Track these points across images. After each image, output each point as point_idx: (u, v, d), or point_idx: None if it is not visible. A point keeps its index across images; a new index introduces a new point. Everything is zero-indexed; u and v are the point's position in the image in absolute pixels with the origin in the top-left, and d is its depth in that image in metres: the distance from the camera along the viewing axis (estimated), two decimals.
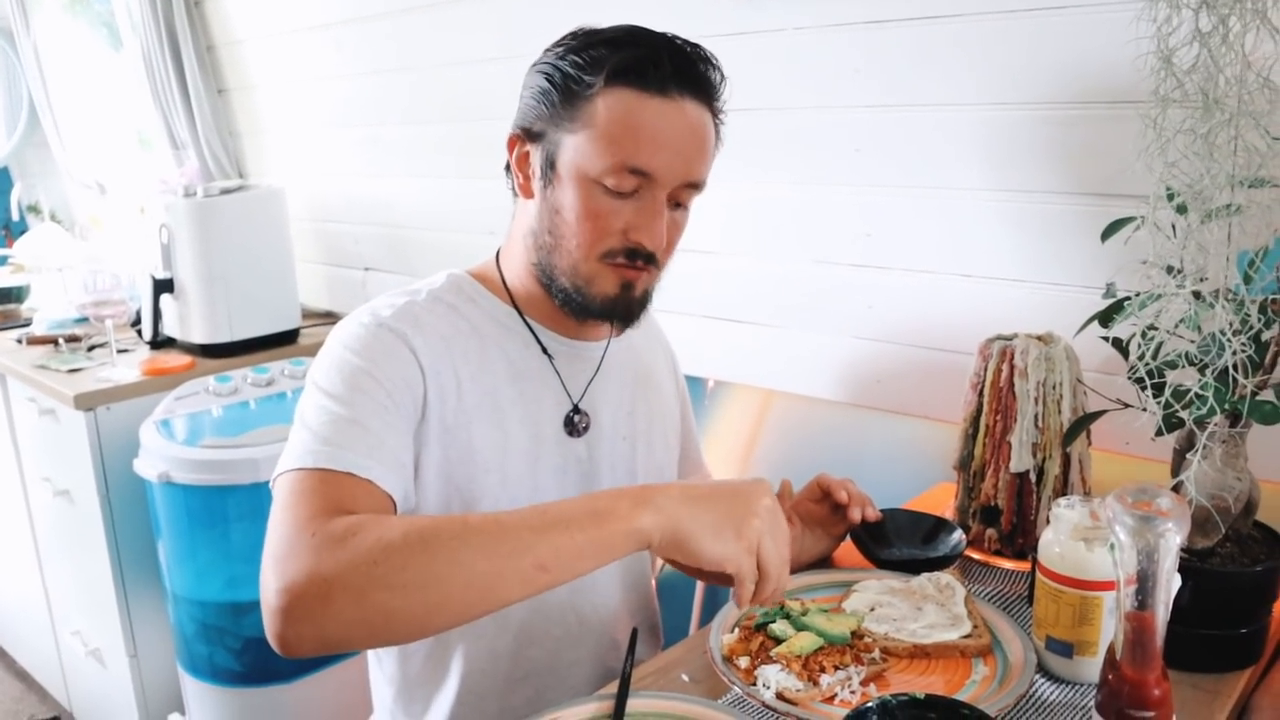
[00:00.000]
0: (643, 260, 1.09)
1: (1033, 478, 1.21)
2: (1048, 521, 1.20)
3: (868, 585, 1.15)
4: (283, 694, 1.84)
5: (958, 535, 1.25)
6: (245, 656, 1.85)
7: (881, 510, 1.28)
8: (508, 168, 1.16)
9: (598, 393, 1.23)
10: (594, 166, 1.04)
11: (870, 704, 0.87)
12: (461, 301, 1.17)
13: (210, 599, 1.88)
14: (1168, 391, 0.90)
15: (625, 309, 1.13)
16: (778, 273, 1.73)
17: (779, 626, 1.00)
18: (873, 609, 1.11)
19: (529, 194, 1.13)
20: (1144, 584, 0.84)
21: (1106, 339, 1.11)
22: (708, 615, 1.88)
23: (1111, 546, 0.88)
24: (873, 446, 1.70)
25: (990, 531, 1.26)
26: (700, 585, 1.83)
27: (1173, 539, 0.82)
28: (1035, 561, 1.10)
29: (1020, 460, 1.21)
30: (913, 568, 1.20)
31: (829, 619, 1.02)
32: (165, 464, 1.81)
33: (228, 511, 1.83)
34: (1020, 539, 1.24)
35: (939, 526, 1.29)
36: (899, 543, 1.29)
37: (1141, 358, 0.96)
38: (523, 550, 0.84)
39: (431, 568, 0.82)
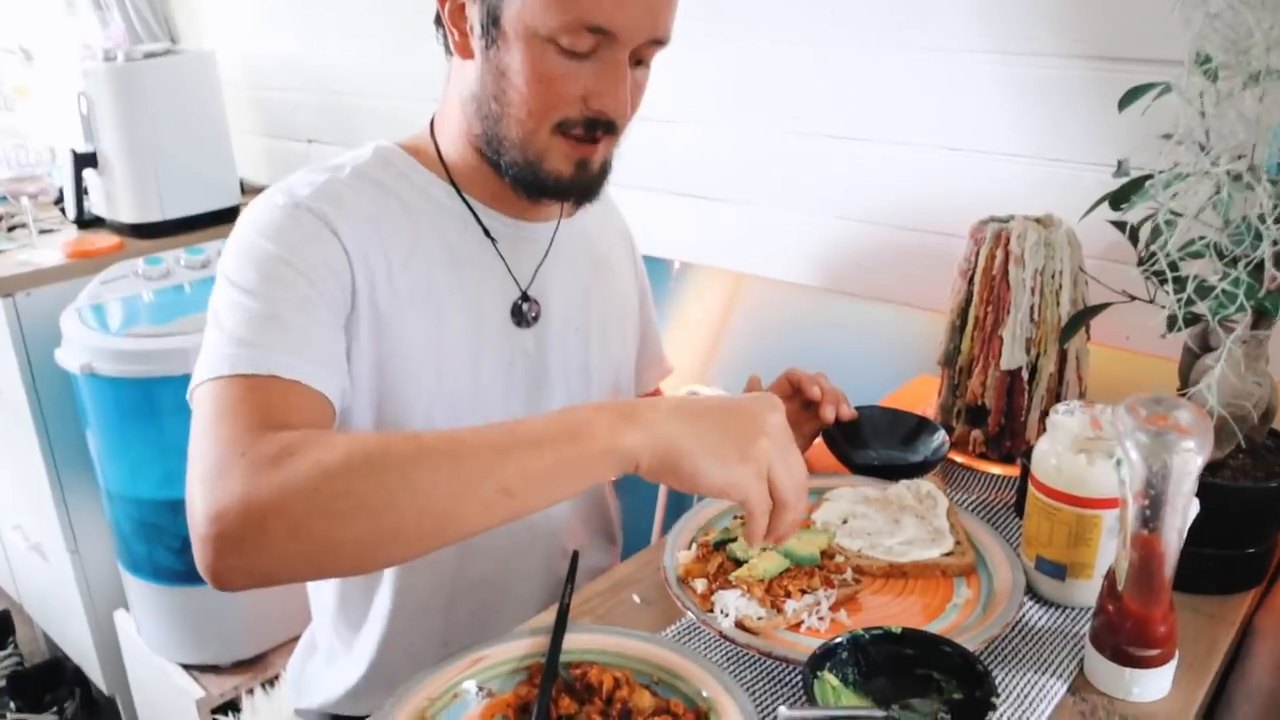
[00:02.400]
0: (602, 130, 0.95)
1: (1025, 376, 1.10)
2: (1039, 424, 1.10)
3: (840, 494, 1.05)
4: (227, 595, 1.75)
5: (940, 437, 1.15)
6: (186, 555, 1.74)
7: (857, 408, 1.17)
8: (438, 20, 1.00)
9: (547, 279, 1.10)
10: (546, 23, 0.88)
11: (840, 639, 0.77)
12: (391, 177, 1.02)
13: (146, 496, 1.77)
14: (1190, 287, 0.78)
15: (583, 187, 1.00)
16: (748, 144, 1.58)
17: (740, 546, 0.90)
18: (845, 521, 1.01)
19: (467, 53, 0.97)
20: (1155, 509, 0.73)
21: (1117, 224, 0.98)
22: (672, 518, 1.79)
23: (1118, 462, 0.78)
24: (849, 336, 1.59)
25: (976, 433, 1.15)
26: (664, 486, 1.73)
27: (1193, 460, 0.71)
28: (1026, 469, 0.99)
29: (1012, 356, 1.09)
30: (890, 473, 1.10)
31: (797, 536, 0.92)
32: (88, 355, 1.67)
33: (160, 404, 1.71)
34: (1008, 442, 1.14)
35: (920, 427, 1.18)
36: (876, 444, 1.19)
37: (1162, 246, 0.83)
38: (485, 473, 0.72)
39: (379, 493, 0.71)
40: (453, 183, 1.04)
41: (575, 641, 0.78)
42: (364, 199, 0.99)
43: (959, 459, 1.17)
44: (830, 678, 0.75)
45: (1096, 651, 0.81)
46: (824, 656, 0.76)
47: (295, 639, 1.22)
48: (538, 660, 0.77)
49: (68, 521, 1.99)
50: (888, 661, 0.78)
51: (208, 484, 0.74)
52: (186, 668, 1.85)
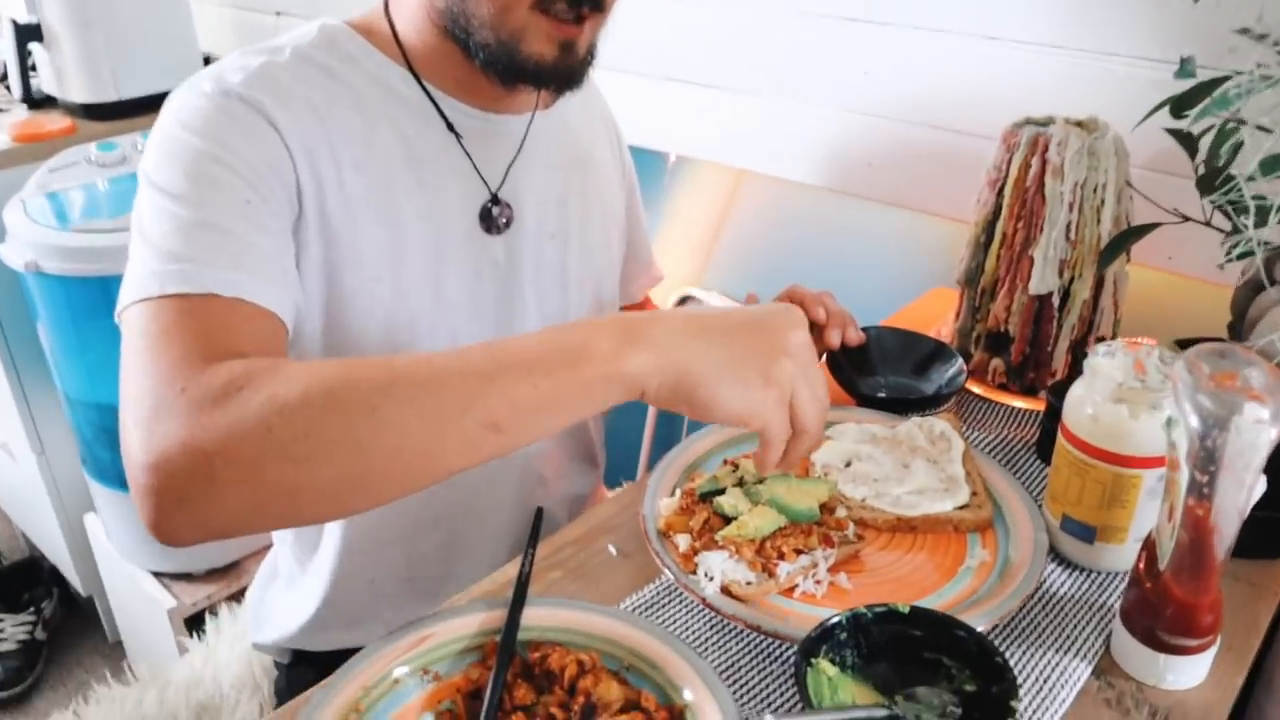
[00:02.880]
0: (588, 6, 0.82)
1: (1055, 302, 0.98)
2: (1067, 355, 0.98)
3: (844, 430, 0.94)
4: None
5: (957, 366, 1.03)
6: None
7: (865, 329, 1.06)
8: None
9: (520, 179, 0.97)
10: None
11: (838, 618, 0.68)
12: (338, 61, 0.88)
13: (106, 401, 1.67)
14: (1275, 216, 0.65)
15: (566, 73, 0.87)
16: (754, 25, 1.42)
17: (729, 500, 0.79)
18: (849, 464, 0.90)
19: None
20: (1213, 483, 0.62)
21: (1176, 134, 0.84)
22: (662, 437, 1.69)
23: (1169, 422, 0.67)
24: (858, 244, 1.46)
25: (996, 362, 1.04)
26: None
27: (1266, 433, 0.60)
28: (1052, 409, 0.89)
29: (1043, 280, 0.97)
30: (901, 406, 0.99)
31: (792, 486, 0.82)
32: (34, 251, 1.54)
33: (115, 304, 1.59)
34: (1032, 373, 1.02)
35: (935, 353, 1.07)
36: (885, 371, 1.08)
37: (1227, 158, 0.70)
38: (467, 404, 0.62)
39: (345, 431, 0.60)
40: (410, 68, 0.90)
41: (536, 617, 0.68)
42: (307, 86, 0.85)
43: (976, 389, 1.06)
44: (826, 665, 0.66)
45: (1127, 631, 0.71)
46: (819, 640, 0.67)
47: (269, 546, 1.14)
48: (492, 639, 0.67)
49: (31, 423, 1.90)
50: (892, 643, 0.68)
51: (143, 427, 0.63)
52: (158, 575, 1.78)
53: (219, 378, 0.63)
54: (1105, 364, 0.77)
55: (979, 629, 0.71)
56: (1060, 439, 0.79)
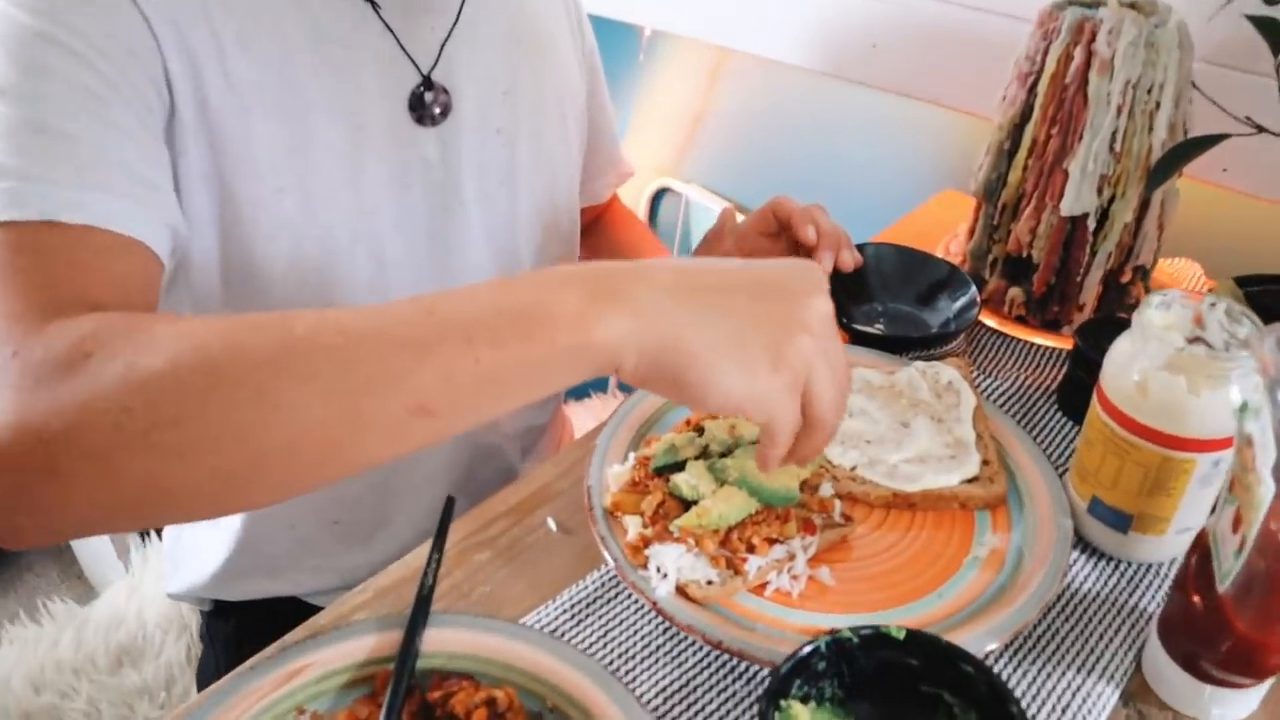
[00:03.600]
0: None
1: (1090, 224, 0.82)
2: (1099, 287, 0.83)
3: None
4: None
5: (969, 295, 0.88)
6: None
7: (861, 246, 0.90)
8: None
9: (457, 60, 0.80)
10: None
11: (815, 644, 0.54)
12: None
13: None
14: None
15: None
16: None
17: (689, 479, 0.65)
18: None
19: None
20: None
21: (1260, 21, 0.67)
22: None
23: (1243, 409, 0.52)
24: (857, 136, 1.28)
25: (1015, 292, 0.89)
26: None
27: None
28: (1081, 355, 0.74)
29: (1078, 198, 0.80)
30: (902, 345, 0.85)
31: None
32: None
33: None
34: (1056, 306, 0.87)
35: (944, 279, 0.91)
36: (884, 298, 0.92)
37: None
38: (390, 383, 0.47)
39: (226, 418, 0.46)
40: None
41: (440, 641, 0.55)
42: None
43: (990, 322, 0.91)
44: (798, 709, 0.53)
45: (1165, 651, 0.58)
46: (792, 674, 0.54)
47: None
48: (384, 668, 0.54)
49: None
50: (882, 673, 0.55)
51: None
52: None
53: (61, 340, 0.49)
54: (1160, 318, 0.62)
55: (990, 647, 0.58)
56: (1096, 408, 0.65)
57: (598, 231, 1.10)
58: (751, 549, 0.63)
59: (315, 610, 0.96)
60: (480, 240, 0.85)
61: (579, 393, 1.49)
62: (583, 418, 1.41)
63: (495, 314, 0.49)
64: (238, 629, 0.99)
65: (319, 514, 0.91)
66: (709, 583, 0.62)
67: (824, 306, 0.53)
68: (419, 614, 0.55)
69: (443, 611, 0.56)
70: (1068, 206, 0.81)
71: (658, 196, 1.54)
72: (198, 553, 0.97)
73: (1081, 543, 0.69)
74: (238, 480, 0.47)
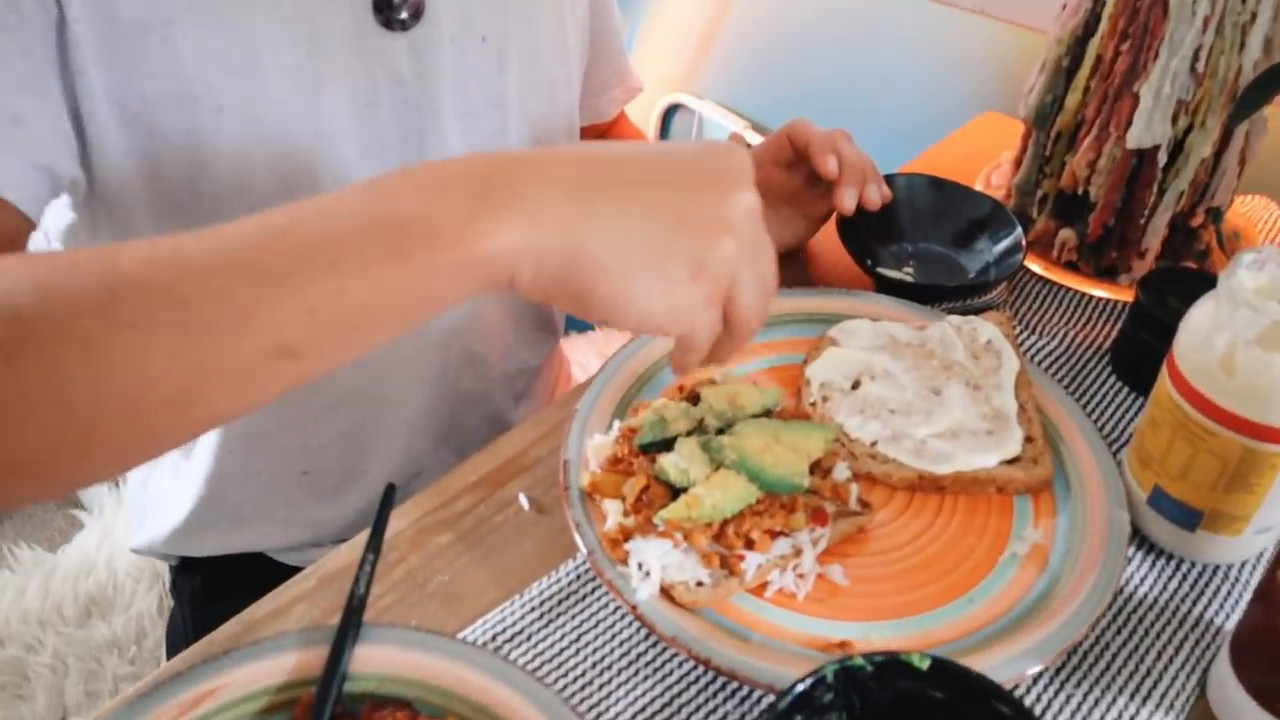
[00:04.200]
0: None
1: (1160, 159, 0.70)
2: (1164, 232, 0.72)
3: (854, 330, 0.69)
4: None
5: (1013, 237, 0.77)
6: None
7: (892, 181, 0.79)
8: None
9: None
10: None
11: (822, 673, 0.45)
12: None
13: None
14: None
15: None
16: None
17: (678, 460, 0.55)
18: (856, 385, 0.66)
19: None
20: None
21: None
22: None
23: None
24: (889, 50, 1.15)
25: (1067, 234, 0.77)
26: None
27: None
28: (1140, 302, 0.64)
29: (1149, 127, 0.69)
30: (934, 295, 0.74)
31: (780, 433, 0.58)
32: None
33: None
34: (1114, 252, 0.76)
35: (985, 217, 0.80)
36: (915, 238, 0.81)
37: None
38: (241, 321, 0.39)
39: (48, 380, 0.38)
40: None
41: (373, 660, 0.46)
42: None
43: (1035, 267, 0.80)
44: None
45: (1237, 679, 0.49)
46: (794, 708, 0.45)
47: None
48: (307, 692, 0.45)
49: None
50: (901, 706, 0.46)
51: None
52: None
53: None
54: (1251, 282, 0.51)
55: (1031, 671, 0.49)
56: (1166, 384, 0.55)
57: None
58: (750, 544, 0.54)
59: (283, 569, 0.89)
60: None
61: (580, 325, 1.39)
62: (584, 351, 1.30)
63: (364, 230, 0.41)
64: (204, 587, 0.92)
65: (286, 462, 0.83)
66: (699, 584, 0.53)
67: (750, 201, 0.47)
68: (347, 628, 0.46)
69: (379, 622, 0.48)
70: (1135, 137, 0.69)
71: (669, 114, 1.41)
72: (161, 503, 0.90)
73: (1138, 537, 0.59)
74: (69, 451, 0.39)
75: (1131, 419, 0.68)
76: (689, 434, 0.57)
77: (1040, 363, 0.72)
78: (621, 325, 0.45)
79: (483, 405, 0.88)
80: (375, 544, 0.47)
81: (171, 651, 0.94)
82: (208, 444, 0.80)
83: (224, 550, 0.88)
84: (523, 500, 0.62)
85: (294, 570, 0.63)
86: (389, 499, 0.49)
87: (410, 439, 0.85)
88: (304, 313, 0.40)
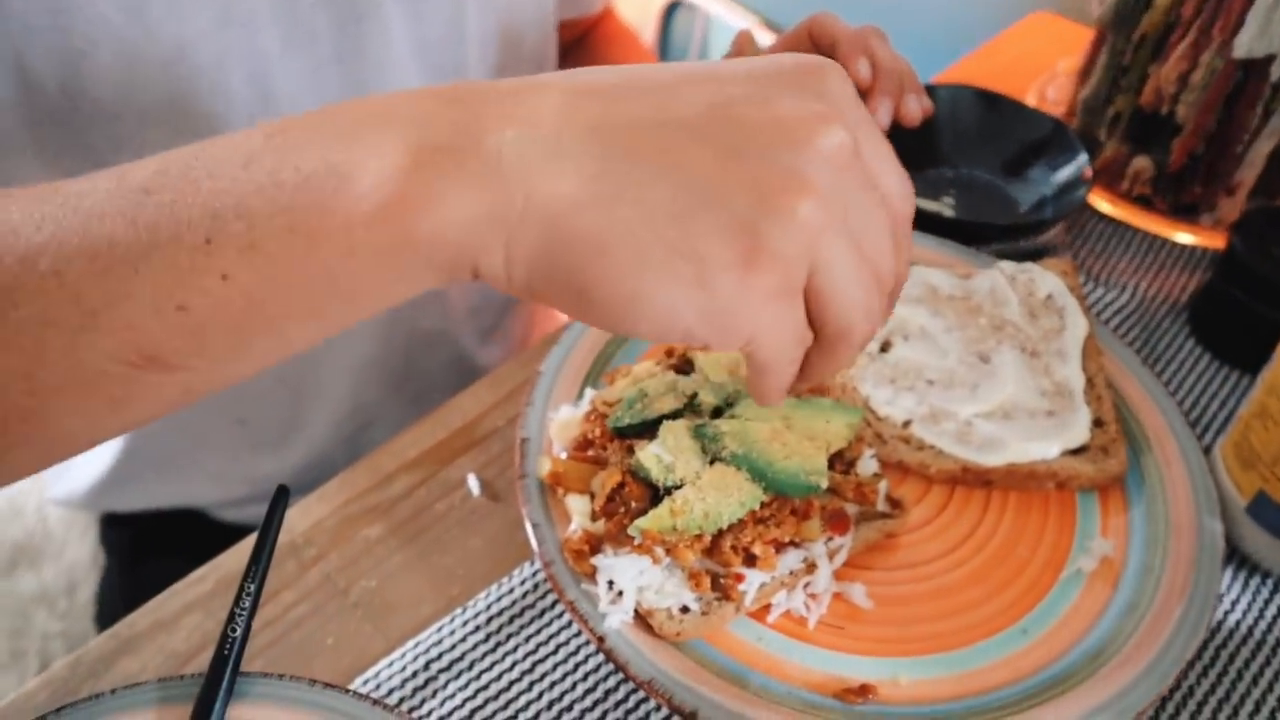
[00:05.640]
0: None
1: (1273, 74, 0.57)
2: (1265, 164, 0.59)
3: None
4: None
5: (1077, 165, 0.64)
6: None
7: (933, 89, 0.67)
8: None
9: None
10: None
11: None
12: None
13: None
14: None
15: None
16: None
17: (661, 453, 0.43)
18: (885, 349, 0.54)
19: None
20: None
21: None
22: None
23: None
24: None
25: (1141, 163, 0.64)
26: None
27: None
28: (1233, 249, 0.52)
29: (1263, 33, 0.55)
30: (979, 234, 0.62)
31: (792, 415, 0.46)
32: None
33: None
34: (1199, 187, 0.63)
35: (1043, 140, 0.67)
36: (958, 161, 0.68)
37: None
38: (87, 320, 0.29)
39: None
40: None
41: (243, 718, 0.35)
42: None
43: (1101, 204, 0.67)
44: None
45: None
46: None
47: None
48: None
49: None
50: None
51: None
52: None
53: None
54: None
55: None
56: None
57: (581, 54, 0.84)
58: (751, 560, 0.42)
59: (221, 527, 0.79)
60: (409, 62, 0.62)
61: None
62: None
63: (257, 189, 0.29)
64: (134, 541, 0.83)
65: (220, 410, 0.73)
66: (684, 611, 0.42)
67: (840, 141, 0.31)
68: (218, 680, 0.35)
69: (261, 674, 0.36)
70: (1245, 45, 0.55)
71: (669, 12, 1.26)
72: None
73: (1232, 554, 0.48)
74: None
75: (1215, 394, 0.56)
76: (677, 415, 0.45)
77: (1107, 323, 0.59)
78: (641, 333, 0.31)
79: (443, 346, 0.77)
80: (257, 567, 0.36)
81: (103, 610, 0.85)
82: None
83: (151, 505, 0.79)
84: (472, 483, 0.51)
85: (236, 529, 0.53)
86: (280, 503, 0.38)
87: (359, 384, 0.74)
88: (168, 310, 0.29)
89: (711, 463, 0.43)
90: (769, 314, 0.31)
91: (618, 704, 0.43)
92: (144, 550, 0.81)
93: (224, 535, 0.51)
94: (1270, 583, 0.47)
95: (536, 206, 0.29)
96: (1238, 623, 0.45)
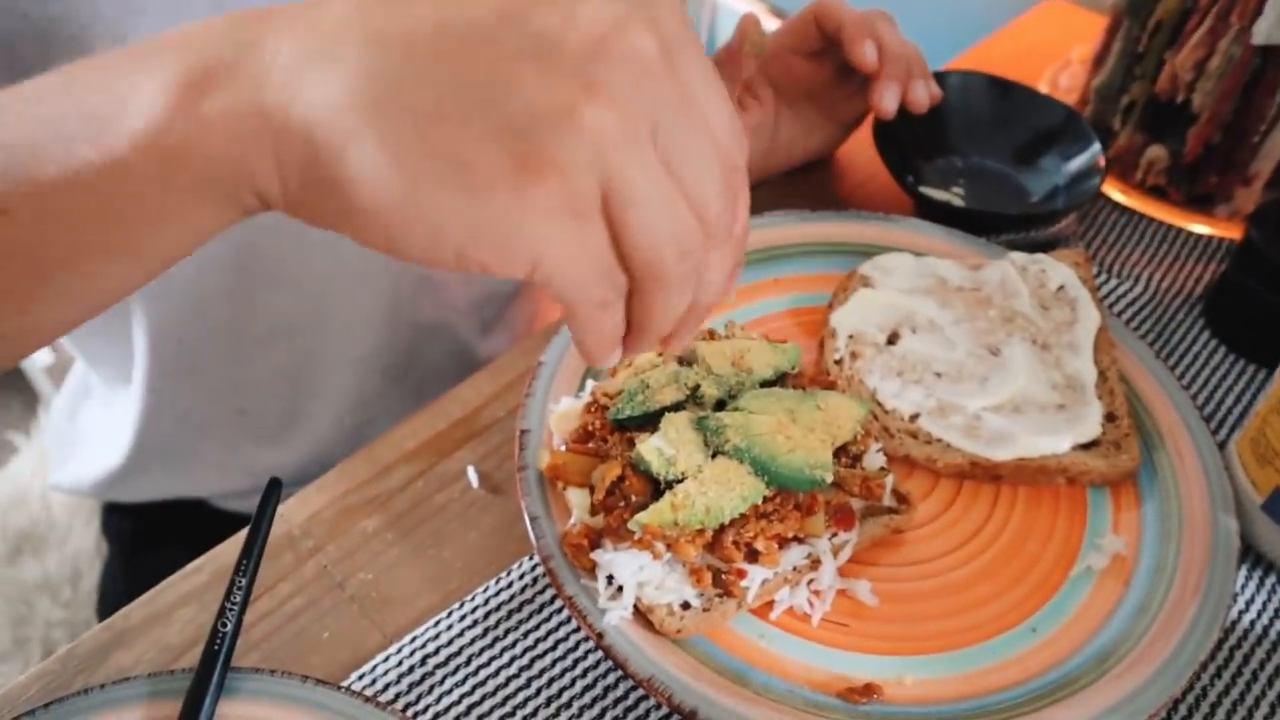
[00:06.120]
0: None
1: None
2: None
3: (892, 266, 0.56)
4: None
5: (1089, 154, 0.62)
6: None
7: (943, 75, 0.65)
8: None
9: None
10: None
11: None
12: None
13: None
14: None
15: None
16: None
17: (663, 446, 0.42)
18: (892, 340, 0.53)
19: None
20: None
21: None
22: None
23: None
24: None
25: (1156, 152, 0.63)
26: None
27: None
28: (1250, 239, 0.51)
29: None
30: (990, 224, 0.60)
31: (797, 408, 0.45)
32: None
33: None
34: (1215, 177, 0.62)
35: (1056, 128, 0.65)
36: (969, 150, 0.67)
37: None
38: None
39: None
40: None
41: (241, 718, 0.35)
42: None
43: (1114, 194, 0.65)
44: None
45: None
46: None
47: None
48: None
49: None
50: None
51: None
52: None
53: None
54: None
55: None
56: None
57: None
58: (754, 556, 0.41)
59: (225, 516, 0.79)
60: None
61: None
62: None
63: (43, 123, 0.29)
64: (136, 531, 0.82)
65: (218, 400, 0.72)
66: (684, 607, 0.41)
67: (645, 42, 0.28)
68: (208, 676, 0.34)
69: (253, 669, 0.36)
70: (1264, 31, 0.54)
71: None
72: (90, 440, 0.80)
73: (1247, 552, 0.47)
74: None
75: (1230, 388, 0.55)
76: (678, 407, 0.44)
77: (1120, 315, 0.58)
78: (411, 254, 0.28)
79: (445, 338, 0.76)
80: (248, 562, 0.35)
81: (104, 599, 0.85)
82: (136, 381, 0.68)
83: (155, 496, 0.79)
84: (471, 475, 0.50)
85: (238, 519, 0.52)
86: (271, 497, 0.37)
87: (360, 376, 0.73)
88: None
89: (714, 456, 0.42)
90: (554, 234, 0.27)
91: (617, 701, 0.42)
92: (146, 540, 0.81)
93: (227, 525, 0.50)
94: (1265, 570, 0.46)
95: (298, 115, 0.27)
96: (1252, 622, 0.44)
